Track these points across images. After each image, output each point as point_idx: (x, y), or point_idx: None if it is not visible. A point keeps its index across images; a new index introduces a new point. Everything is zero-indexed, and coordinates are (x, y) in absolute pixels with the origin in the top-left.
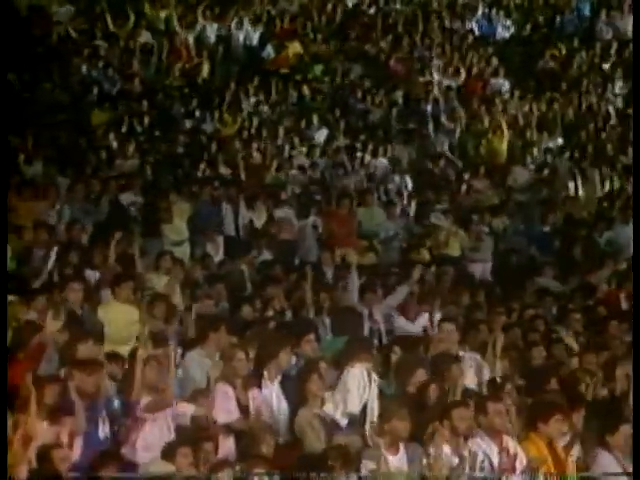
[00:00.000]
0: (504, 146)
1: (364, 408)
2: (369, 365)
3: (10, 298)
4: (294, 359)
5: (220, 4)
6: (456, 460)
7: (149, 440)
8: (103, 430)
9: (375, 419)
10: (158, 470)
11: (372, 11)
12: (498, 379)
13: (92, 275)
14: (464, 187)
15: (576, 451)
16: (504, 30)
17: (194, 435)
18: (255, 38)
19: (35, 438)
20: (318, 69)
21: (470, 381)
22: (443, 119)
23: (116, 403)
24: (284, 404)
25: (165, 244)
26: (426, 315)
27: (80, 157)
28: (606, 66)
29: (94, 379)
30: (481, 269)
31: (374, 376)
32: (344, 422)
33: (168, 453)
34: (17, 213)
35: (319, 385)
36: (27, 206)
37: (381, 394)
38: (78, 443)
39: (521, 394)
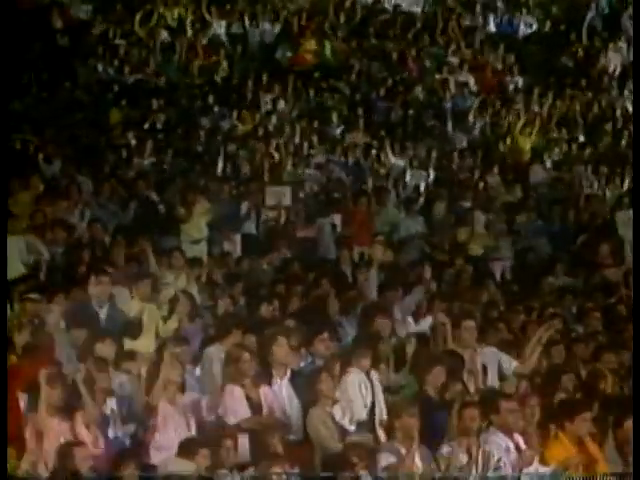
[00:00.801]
0: (529, 145)
1: (372, 408)
2: (367, 366)
3: (31, 296)
4: (309, 357)
5: (239, 2)
6: (465, 459)
7: (168, 438)
8: (123, 429)
9: (385, 417)
10: (176, 469)
11: (391, 8)
12: (514, 376)
13: (111, 273)
14: (482, 185)
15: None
16: (525, 27)
17: (212, 433)
18: (273, 36)
19: (51, 436)
20: (336, 67)
21: (487, 379)
22: (462, 117)
23: (135, 401)
24: (295, 402)
25: (183, 242)
26: (429, 318)
27: (99, 156)
28: (626, 64)
29: (113, 377)
30: (501, 267)
31: (375, 375)
32: (352, 428)
33: (186, 451)
34: (39, 212)
35: (329, 385)
36: (47, 205)
37: (393, 391)
38: (98, 442)
39: (541, 392)
